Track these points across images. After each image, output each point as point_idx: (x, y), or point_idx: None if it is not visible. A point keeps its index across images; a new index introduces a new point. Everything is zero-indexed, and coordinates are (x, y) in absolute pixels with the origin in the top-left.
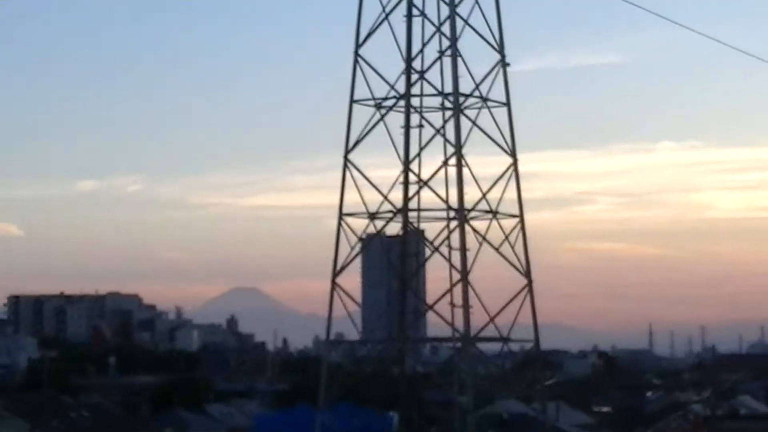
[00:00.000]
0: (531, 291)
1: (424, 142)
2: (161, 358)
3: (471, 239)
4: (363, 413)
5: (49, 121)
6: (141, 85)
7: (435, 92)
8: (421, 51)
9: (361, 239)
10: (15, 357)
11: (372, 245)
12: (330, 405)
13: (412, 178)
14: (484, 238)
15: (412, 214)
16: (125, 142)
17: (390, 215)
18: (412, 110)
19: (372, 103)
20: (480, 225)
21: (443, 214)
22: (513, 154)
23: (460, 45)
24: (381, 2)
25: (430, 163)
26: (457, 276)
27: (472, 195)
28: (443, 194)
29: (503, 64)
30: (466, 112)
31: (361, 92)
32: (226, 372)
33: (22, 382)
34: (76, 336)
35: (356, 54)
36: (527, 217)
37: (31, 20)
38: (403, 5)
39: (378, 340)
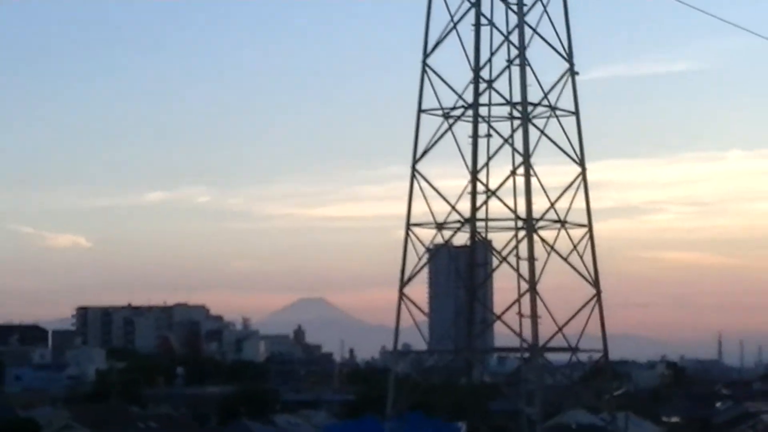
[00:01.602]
0: (599, 301)
1: (492, 152)
2: (229, 369)
3: (539, 249)
4: (430, 423)
5: (118, 130)
6: (210, 95)
7: (503, 101)
8: (490, 60)
9: (428, 249)
10: (84, 368)
11: (439, 255)
12: (397, 415)
13: (479, 187)
14: (552, 248)
15: (480, 224)
16: (194, 153)
17: (458, 225)
18: (480, 120)
19: (440, 112)
20: (548, 235)
21: (511, 223)
22: (581, 163)
23: (528, 54)
24: (449, 11)
25: (498, 172)
26: (525, 286)
27: (540, 204)
28: (511, 204)
29: (572, 72)
30: (535, 121)
31: (429, 102)
32: (293, 382)
33: (91, 392)
34: (144, 347)
35: (424, 63)
36: (596, 226)
37: (104, 26)
38: (472, 14)
39: (445, 351)
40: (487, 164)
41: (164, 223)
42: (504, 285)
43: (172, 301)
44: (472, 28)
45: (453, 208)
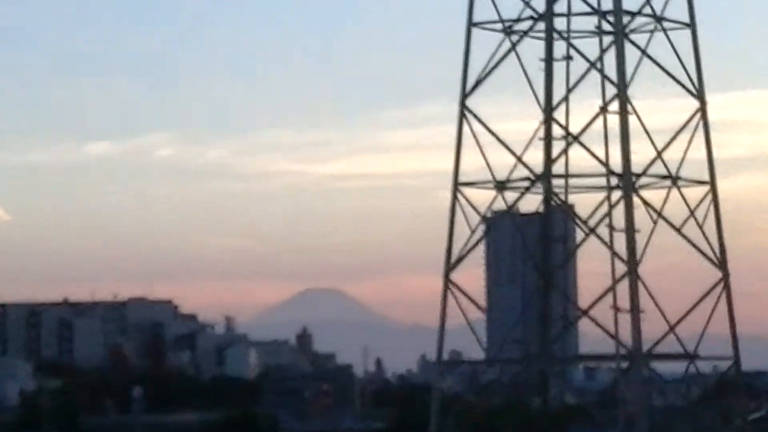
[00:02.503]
0: (727, 289)
1: (573, 81)
2: (206, 389)
3: (641, 216)
4: None
5: (43, 58)
6: (179, 7)
7: (588, 10)
8: None
9: (484, 218)
10: (2, 388)
11: (500, 227)
12: None
13: (556, 131)
14: (659, 215)
15: (558, 183)
16: (154, 88)
17: (526, 184)
18: (555, 36)
19: (499, 26)
20: (653, 196)
21: (602, 181)
22: (699, 95)
23: None
24: None
25: (581, 110)
26: (622, 268)
27: (642, 154)
28: (601, 154)
29: None
30: (633, 37)
31: (483, 12)
32: (297, 407)
33: (12, 422)
34: (87, 359)
35: None
36: (720, 184)
37: None
38: None
39: (511, 360)
40: (566, 98)
41: (112, 184)
42: (592, 267)
43: (126, 295)
44: None
45: (519, 160)
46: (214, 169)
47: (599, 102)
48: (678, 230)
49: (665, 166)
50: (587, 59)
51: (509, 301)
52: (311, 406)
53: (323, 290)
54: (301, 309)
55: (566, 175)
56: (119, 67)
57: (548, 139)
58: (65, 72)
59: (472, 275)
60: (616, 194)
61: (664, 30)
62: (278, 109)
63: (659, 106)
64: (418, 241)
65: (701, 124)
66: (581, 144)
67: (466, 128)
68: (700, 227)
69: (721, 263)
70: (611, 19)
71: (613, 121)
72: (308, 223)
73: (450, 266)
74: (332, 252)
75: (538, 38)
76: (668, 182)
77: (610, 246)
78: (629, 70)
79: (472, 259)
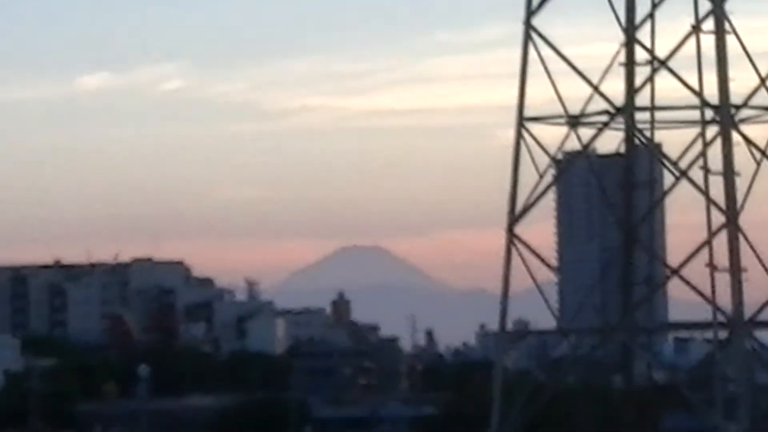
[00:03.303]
0: None
1: None
2: (225, 368)
3: (742, 155)
4: None
5: None
6: None
7: None
8: None
9: (555, 160)
10: None
11: (574, 170)
12: None
13: (640, 55)
14: (763, 154)
15: (642, 117)
16: (157, 13)
17: (604, 119)
18: None
19: None
20: (757, 132)
21: (694, 114)
22: None
23: None
24: None
25: (669, 30)
26: (719, 219)
27: (742, 82)
28: (693, 82)
29: None
30: None
31: None
32: (333, 388)
33: None
34: (83, 332)
35: None
36: None
37: None
38: None
39: (587, 331)
40: (651, 15)
41: (111, 124)
42: (683, 218)
43: (128, 256)
44: None
45: (595, 89)
46: (230, 106)
47: (691, 20)
48: None
49: None
50: None
51: (585, 260)
52: (349, 388)
53: (363, 249)
54: (336, 271)
55: (652, 108)
56: None
57: (630, 64)
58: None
59: (541, 230)
60: (712, 130)
61: None
62: (304, 33)
63: (763, 25)
64: (476, 189)
65: None
66: (670, 70)
67: (532, 53)
68: None
69: None
70: None
71: (708, 42)
72: (344, 169)
73: (514, 218)
74: (373, 204)
75: None
76: None
77: (706, 192)
78: None
79: (540, 211)
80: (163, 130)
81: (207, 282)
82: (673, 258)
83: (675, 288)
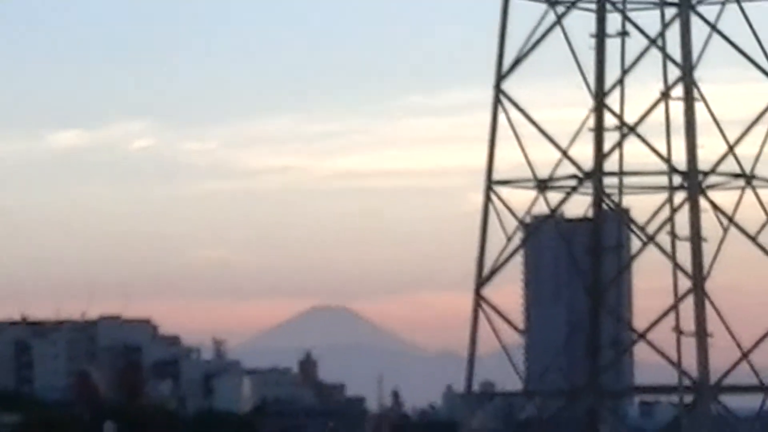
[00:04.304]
0: None
1: (629, 61)
2: (191, 425)
3: (709, 222)
4: None
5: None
6: None
7: None
8: None
9: (523, 224)
10: None
11: (542, 234)
12: None
13: (609, 121)
14: (730, 221)
15: (610, 182)
16: (127, 71)
17: (573, 183)
18: (608, 7)
19: None
20: (724, 198)
21: (662, 180)
22: None
23: None
24: None
25: (638, 96)
26: (686, 284)
27: (710, 149)
28: (662, 148)
29: None
30: (700, 9)
31: None
32: None
33: None
34: (50, 389)
35: None
36: None
37: None
38: None
39: (554, 393)
40: (621, 82)
41: (82, 181)
42: (650, 283)
43: (95, 314)
44: None
45: (564, 154)
46: (200, 165)
47: (660, 86)
48: (753, 239)
49: (738, 162)
50: (646, 35)
51: (552, 323)
52: None
53: (331, 309)
54: (304, 332)
55: (620, 173)
56: (88, 46)
57: (599, 130)
58: (26, 53)
59: (509, 293)
60: (680, 196)
61: (738, 0)
62: (276, 94)
63: (731, 92)
64: (444, 252)
65: None
66: (638, 136)
67: (501, 117)
68: None
69: None
70: None
71: (677, 109)
72: (313, 230)
73: (481, 280)
74: (341, 265)
75: (588, 10)
76: (741, 182)
77: (673, 257)
78: (696, 48)
79: (508, 274)
80: (133, 187)
81: (174, 340)
82: (640, 322)
83: (641, 351)
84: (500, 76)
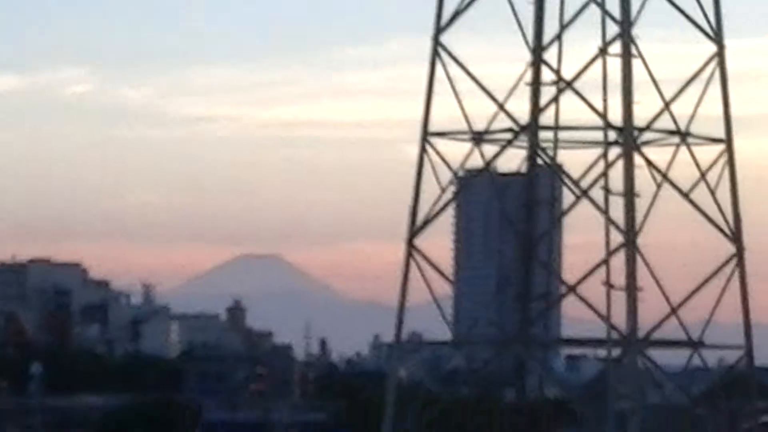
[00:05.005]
0: (741, 266)
1: (567, 17)
2: (118, 369)
3: (643, 178)
4: None
5: None
6: None
7: None
8: None
9: (457, 176)
10: None
11: (476, 187)
12: None
13: (546, 76)
14: (664, 177)
15: (545, 136)
16: (64, 21)
17: (508, 137)
18: None
19: None
20: (658, 155)
21: (597, 135)
22: (717, 38)
23: None
24: None
25: (576, 52)
26: (618, 239)
27: (646, 106)
28: (598, 104)
29: None
30: None
31: None
32: (226, 392)
33: None
34: None
35: None
36: (738, 143)
37: None
38: None
39: (482, 343)
40: (559, 37)
41: (15, 125)
42: (582, 238)
43: (24, 256)
44: None
45: (501, 107)
46: (135, 111)
47: (598, 43)
48: (686, 196)
49: (674, 120)
50: None
51: (482, 275)
52: (242, 393)
53: (260, 257)
54: (233, 279)
55: (556, 127)
56: None
57: (536, 84)
58: None
59: (439, 246)
60: (615, 151)
61: None
62: (214, 43)
63: (669, 50)
64: (377, 202)
65: (717, 72)
66: (575, 91)
67: (439, 70)
68: (712, 193)
69: (735, 236)
70: None
71: (614, 65)
72: (246, 178)
73: (415, 230)
74: (273, 213)
75: None
76: (676, 139)
77: (605, 212)
78: (635, 5)
79: (438, 227)
80: (66, 132)
81: (103, 284)
82: (570, 277)
83: (569, 306)
84: (439, 28)
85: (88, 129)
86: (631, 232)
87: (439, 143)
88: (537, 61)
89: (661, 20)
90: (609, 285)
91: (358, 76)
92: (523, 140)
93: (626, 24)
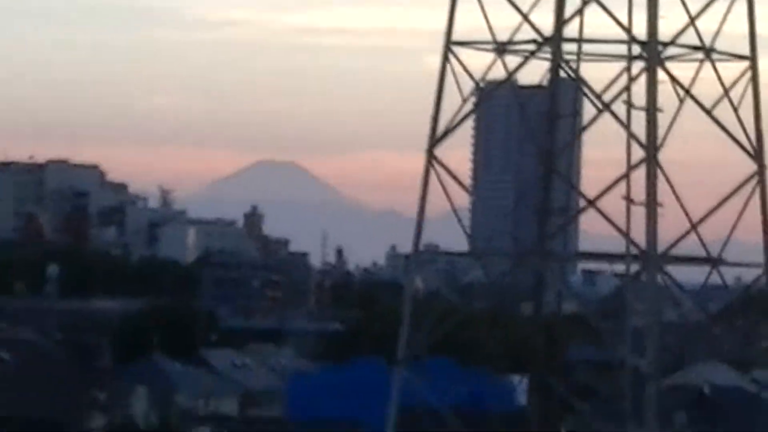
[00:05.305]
0: (762, 184)
1: None
2: (134, 272)
3: (666, 93)
4: (470, 377)
5: None
6: None
7: None
8: None
9: (478, 86)
10: None
11: (495, 100)
12: (414, 361)
13: None
14: (687, 93)
15: (569, 48)
16: None
17: (531, 48)
18: None
19: None
20: (682, 71)
21: (621, 49)
22: None
23: None
24: None
25: None
26: (639, 153)
27: (671, 21)
28: (623, 17)
29: None
30: None
31: None
32: (241, 300)
33: None
34: None
35: None
36: (763, 61)
37: None
38: None
39: (499, 254)
40: None
41: (33, 26)
42: (603, 153)
43: (43, 157)
44: None
45: (525, 18)
46: (154, 13)
47: None
48: (708, 112)
49: (698, 35)
50: None
51: (502, 187)
52: (257, 300)
53: (279, 164)
54: (251, 185)
55: (579, 40)
56: None
57: None
58: None
59: (459, 157)
60: (638, 66)
61: None
62: None
63: None
64: (398, 111)
65: None
66: (600, 4)
67: None
68: (735, 110)
69: (757, 154)
70: None
71: None
72: (266, 84)
73: (435, 140)
74: (293, 119)
75: None
76: (700, 55)
77: (627, 126)
78: None
79: (457, 139)
80: (84, 34)
81: (121, 187)
82: (590, 191)
83: (588, 221)
84: None
85: (108, 31)
86: (652, 146)
87: (462, 53)
88: None
89: None
90: (629, 200)
91: None
92: (547, 52)
93: None
